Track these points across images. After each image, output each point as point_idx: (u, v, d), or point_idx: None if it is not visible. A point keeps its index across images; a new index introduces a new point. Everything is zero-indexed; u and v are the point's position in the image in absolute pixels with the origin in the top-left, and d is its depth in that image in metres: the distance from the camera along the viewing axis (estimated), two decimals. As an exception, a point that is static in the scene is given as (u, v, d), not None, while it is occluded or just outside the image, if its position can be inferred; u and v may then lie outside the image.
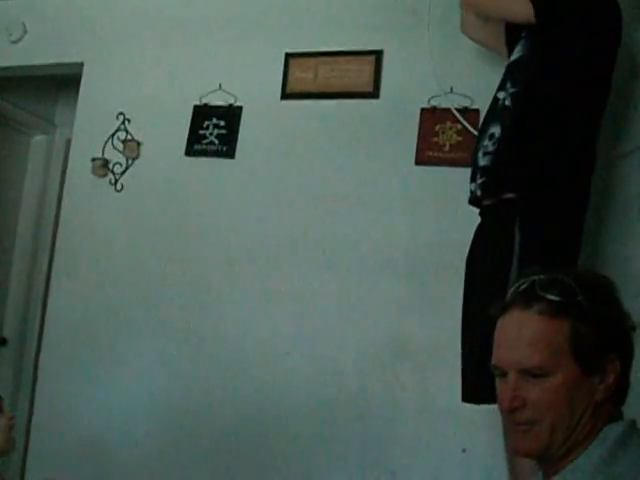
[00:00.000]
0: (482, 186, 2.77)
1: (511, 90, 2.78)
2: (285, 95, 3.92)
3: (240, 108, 4.00)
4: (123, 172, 4.21)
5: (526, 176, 2.67)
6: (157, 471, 3.90)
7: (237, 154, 3.98)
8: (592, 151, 2.76)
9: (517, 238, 2.58)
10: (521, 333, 1.63)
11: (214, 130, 4.02)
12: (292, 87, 3.90)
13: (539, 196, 2.64)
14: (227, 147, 3.98)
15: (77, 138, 4.47)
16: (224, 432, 3.77)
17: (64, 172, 4.97)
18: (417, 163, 3.63)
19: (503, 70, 2.98)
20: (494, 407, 2.92)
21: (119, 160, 4.22)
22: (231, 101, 4.02)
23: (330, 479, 3.59)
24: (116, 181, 4.21)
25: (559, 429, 1.60)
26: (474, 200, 2.87)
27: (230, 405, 3.78)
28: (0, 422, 2.63)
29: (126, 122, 4.23)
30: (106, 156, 4.23)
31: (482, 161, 2.79)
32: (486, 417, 3.22)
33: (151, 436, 3.96)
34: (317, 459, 3.61)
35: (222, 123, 4.01)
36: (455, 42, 3.50)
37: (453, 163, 3.55)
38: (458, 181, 3.47)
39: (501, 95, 2.83)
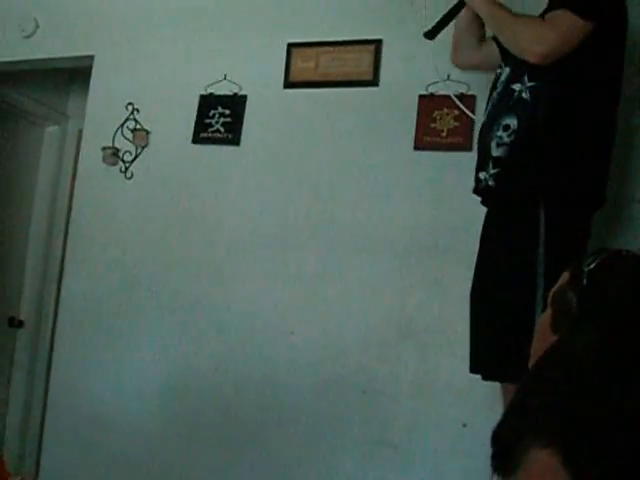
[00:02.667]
0: (496, 176, 2.82)
1: (530, 84, 2.79)
2: (288, 84, 3.97)
3: (245, 97, 4.06)
4: (133, 160, 4.30)
5: (550, 168, 2.72)
6: (167, 447, 4.00)
7: (242, 141, 4.04)
8: (612, 136, 2.85)
9: (542, 223, 2.65)
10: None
11: (220, 119, 4.08)
12: (294, 76, 3.95)
13: (563, 185, 2.71)
14: (232, 135, 4.04)
15: (88, 128, 4.55)
16: (230, 410, 3.85)
17: (76, 161, 5.07)
18: (416, 148, 3.68)
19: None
20: (494, 383, 3.08)
21: (129, 149, 4.30)
22: (236, 90, 4.07)
23: (333, 455, 3.63)
24: (126, 169, 4.30)
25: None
26: (483, 189, 2.91)
27: (236, 384, 3.85)
28: None
29: (135, 112, 4.31)
30: (116, 145, 4.31)
31: (496, 152, 2.82)
32: (486, 393, 3.30)
33: (161, 414, 4.05)
34: (320, 435, 3.66)
35: (227, 112, 4.07)
36: (452, 30, 3.46)
37: (451, 148, 3.61)
38: (455, 165, 3.58)
39: (517, 87, 2.83)
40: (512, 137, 2.77)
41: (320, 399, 3.68)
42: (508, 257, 2.76)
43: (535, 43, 2.74)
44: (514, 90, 2.84)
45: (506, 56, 2.97)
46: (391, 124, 3.78)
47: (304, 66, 3.95)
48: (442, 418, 3.46)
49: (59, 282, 5.15)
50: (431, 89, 3.68)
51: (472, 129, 3.59)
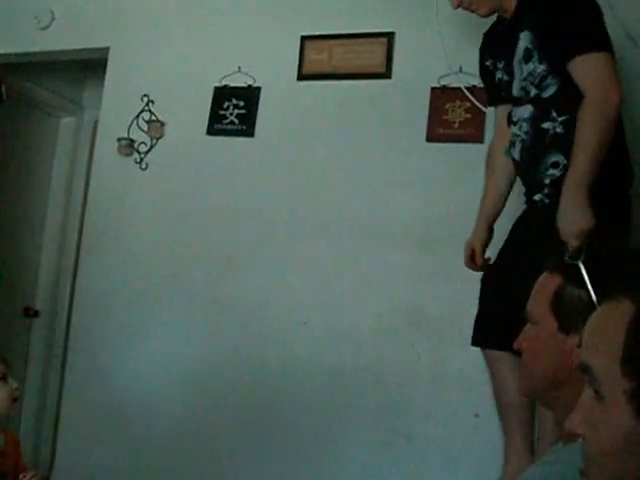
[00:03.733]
0: (551, 195, 2.83)
1: (560, 119, 2.82)
2: (301, 76, 4.00)
3: (259, 89, 4.09)
4: (148, 151, 4.33)
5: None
6: (182, 434, 4.04)
7: (256, 133, 4.07)
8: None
9: None
10: (536, 285, 1.73)
11: (234, 110, 4.11)
12: (308, 68, 3.98)
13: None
14: (246, 126, 4.07)
15: (104, 119, 4.59)
16: (244, 397, 3.89)
17: (91, 152, 5.11)
18: (428, 140, 3.71)
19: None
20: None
21: (144, 140, 4.34)
22: (250, 82, 4.10)
23: (347, 444, 3.66)
24: (141, 160, 4.33)
25: (538, 378, 1.68)
26: (538, 208, 2.92)
27: (250, 372, 3.89)
28: (3, 390, 2.62)
29: (150, 103, 4.34)
30: (131, 136, 4.35)
31: (551, 189, 2.84)
32: None
33: (178, 402, 4.08)
34: (334, 425, 3.70)
35: (241, 103, 4.10)
36: (464, 23, 3.53)
37: (462, 139, 3.65)
38: (467, 156, 3.61)
39: (548, 125, 2.86)
40: (563, 171, 2.78)
41: (334, 388, 3.71)
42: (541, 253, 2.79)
43: (611, 107, 2.71)
44: (547, 129, 2.87)
45: (519, 98, 2.99)
46: (403, 116, 3.80)
47: (317, 58, 3.98)
48: (455, 408, 3.49)
49: (74, 272, 5.19)
50: (443, 81, 3.71)
51: (484, 121, 3.62)
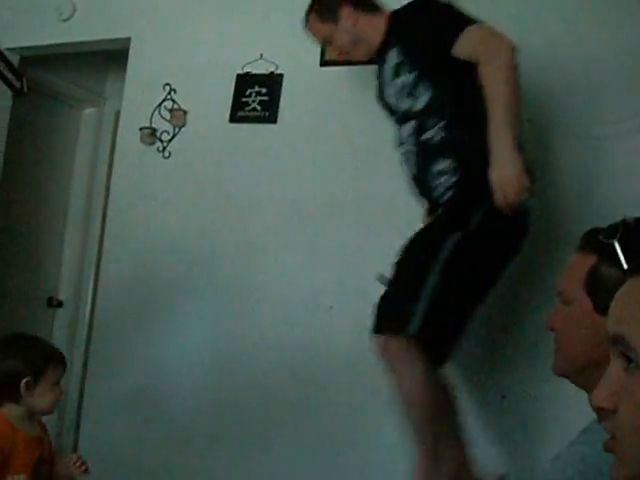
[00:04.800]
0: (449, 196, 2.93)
1: (440, 124, 2.92)
2: (324, 62, 3.97)
3: (281, 76, 4.08)
4: (170, 140, 4.34)
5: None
6: (205, 420, 4.07)
7: (279, 119, 4.06)
8: None
9: (476, 220, 2.82)
10: (569, 264, 1.71)
11: (256, 97, 4.11)
12: (330, 54, 3.90)
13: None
14: (269, 113, 4.07)
15: (126, 109, 4.61)
16: (270, 382, 3.88)
17: (113, 143, 5.13)
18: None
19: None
20: (533, 355, 3.16)
21: (166, 128, 4.34)
22: (272, 69, 4.09)
23: (375, 424, 3.63)
24: (164, 148, 4.34)
25: (573, 358, 1.67)
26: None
27: (275, 357, 3.88)
28: (55, 392, 2.69)
29: (172, 92, 4.35)
30: (154, 125, 4.35)
31: (447, 195, 2.92)
32: (524, 364, 3.38)
33: (202, 389, 4.10)
34: (361, 407, 3.69)
35: (264, 90, 4.10)
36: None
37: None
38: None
39: (429, 134, 2.94)
40: (455, 175, 2.89)
41: (359, 373, 3.68)
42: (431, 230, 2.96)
43: (508, 54, 2.80)
44: (428, 139, 2.94)
45: (402, 117, 3.06)
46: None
47: (340, 44, 3.96)
48: (481, 390, 3.47)
49: (98, 262, 5.22)
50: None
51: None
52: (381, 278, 3.07)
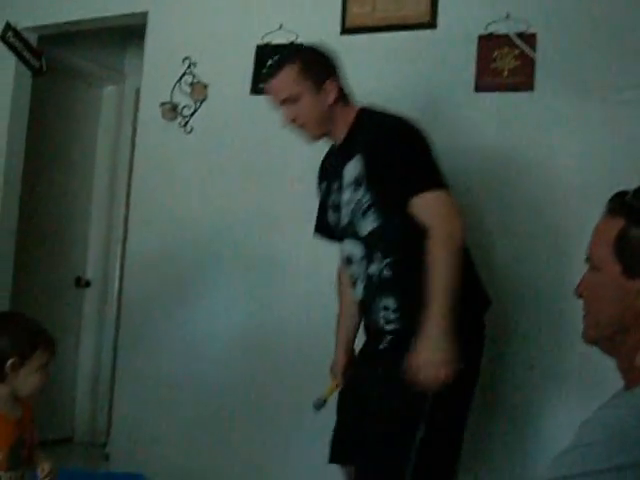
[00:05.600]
0: (392, 342, 2.88)
1: (386, 261, 2.85)
2: (344, 30, 3.93)
3: (301, 45, 3.98)
4: (192, 114, 4.30)
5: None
6: (236, 400, 4.07)
7: (300, 90, 4.03)
8: None
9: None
10: (596, 229, 1.68)
11: (277, 68, 4.07)
12: (351, 22, 3.91)
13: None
14: (290, 84, 4.03)
15: (146, 85, 4.58)
16: (296, 360, 3.88)
17: (135, 120, 5.11)
18: (477, 90, 3.63)
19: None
20: (561, 328, 3.21)
21: (187, 103, 4.30)
22: (292, 39, 4.04)
23: None
24: (186, 123, 4.30)
25: (604, 324, 1.64)
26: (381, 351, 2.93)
27: (306, 331, 3.86)
28: (41, 376, 2.56)
29: (192, 66, 4.30)
30: (174, 100, 4.31)
31: (388, 327, 2.87)
32: (551, 335, 3.37)
33: (230, 368, 4.10)
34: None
35: (285, 61, 4.06)
36: None
37: (512, 88, 3.56)
38: (517, 105, 3.54)
39: (375, 269, 2.88)
40: (397, 313, 2.85)
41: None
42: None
43: (456, 240, 2.76)
44: (374, 273, 2.89)
45: (348, 230, 2.97)
46: (451, 66, 3.73)
47: (360, 11, 3.91)
48: (508, 361, 3.45)
49: (124, 240, 5.22)
50: (490, 28, 3.62)
51: (534, 68, 3.53)
52: (317, 403, 3.15)
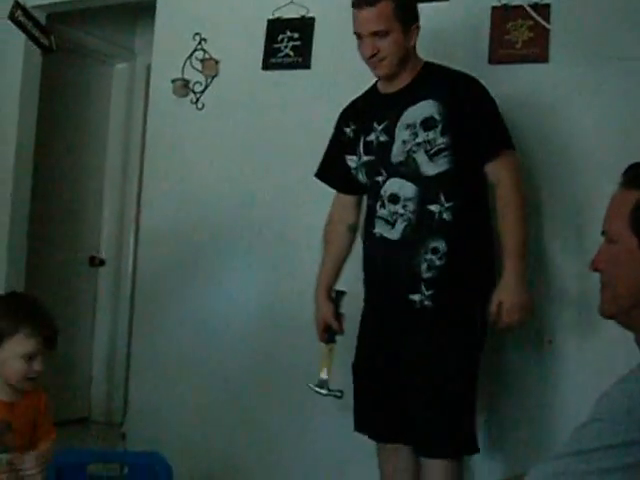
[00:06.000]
0: (433, 297, 2.93)
1: (447, 204, 2.92)
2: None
3: (313, 19, 3.99)
4: (203, 90, 4.27)
5: (480, 279, 3.01)
6: (252, 376, 4.06)
7: (312, 64, 3.99)
8: None
9: (478, 321, 2.99)
10: (612, 202, 1.68)
11: (289, 43, 4.03)
12: None
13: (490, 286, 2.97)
14: (302, 58, 4.00)
15: (157, 61, 4.54)
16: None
17: (146, 98, 5.09)
18: (490, 62, 3.59)
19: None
20: (579, 304, 3.24)
21: (199, 79, 4.27)
22: (303, 13, 4.01)
23: None
24: (197, 100, 4.28)
25: (622, 297, 1.64)
26: (418, 310, 2.96)
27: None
28: (22, 365, 2.47)
29: (203, 42, 4.26)
30: (186, 76, 4.28)
31: (427, 274, 2.92)
32: (571, 311, 3.36)
33: (246, 344, 4.09)
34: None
35: (296, 35, 4.02)
36: None
37: (526, 59, 3.53)
38: (532, 77, 3.51)
39: (435, 208, 2.92)
40: (443, 260, 2.91)
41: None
42: (449, 353, 2.95)
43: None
44: (433, 212, 2.93)
45: (396, 169, 3.00)
46: (464, 38, 3.69)
47: (372, -16, 3.85)
48: (529, 335, 3.41)
49: (137, 219, 5.22)
50: (504, 0, 3.56)
51: (548, 39, 3.49)
52: (320, 383, 3.26)
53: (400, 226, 2.97)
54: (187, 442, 4.13)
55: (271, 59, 4.08)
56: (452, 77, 3.07)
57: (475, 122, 2.98)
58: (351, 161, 3.15)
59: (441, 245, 2.90)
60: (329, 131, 3.31)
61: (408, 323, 2.99)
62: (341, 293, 3.27)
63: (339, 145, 3.24)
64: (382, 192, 3.02)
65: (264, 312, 4.08)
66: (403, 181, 2.97)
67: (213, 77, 4.26)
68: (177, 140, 4.38)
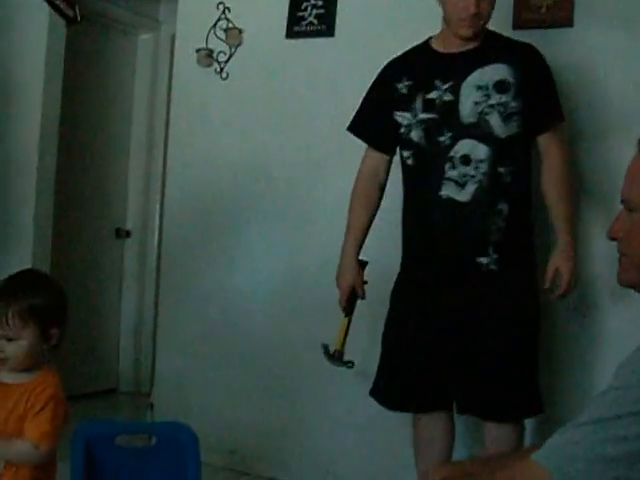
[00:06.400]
0: (498, 261, 2.94)
1: (510, 168, 2.95)
2: (382, -31, 3.84)
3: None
4: (227, 60, 4.26)
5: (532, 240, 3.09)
6: (276, 349, 4.09)
7: (336, 32, 3.97)
8: None
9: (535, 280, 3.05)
10: (629, 169, 1.63)
11: (312, 10, 4.01)
12: None
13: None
14: (326, 26, 3.98)
15: (181, 31, 4.54)
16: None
17: (171, 68, 5.09)
18: (514, 27, 3.55)
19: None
20: (602, 293, 3.30)
21: (223, 49, 4.27)
22: (327, -20, 3.98)
23: None
24: (221, 69, 4.27)
25: (638, 266, 1.60)
26: (485, 273, 2.97)
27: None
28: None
29: (226, 11, 4.25)
30: (210, 46, 4.28)
31: (495, 236, 2.94)
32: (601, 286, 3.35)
33: (271, 314, 4.12)
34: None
35: (320, 3, 4.00)
36: None
37: (552, 24, 3.50)
38: (556, 42, 3.47)
39: (503, 170, 2.94)
40: (505, 223, 2.94)
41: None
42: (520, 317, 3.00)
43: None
44: (501, 174, 2.95)
45: (466, 129, 2.98)
46: (489, 3, 3.63)
47: (397, -49, 3.83)
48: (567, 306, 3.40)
49: (162, 190, 5.22)
50: (529, -36, 3.53)
51: (573, 3, 3.46)
52: (337, 355, 3.28)
53: (471, 187, 2.94)
54: (215, 412, 4.18)
55: (295, 27, 4.07)
56: (518, 44, 3.08)
57: (542, 90, 3.02)
58: (402, 118, 3.07)
59: (505, 207, 2.93)
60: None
61: (472, 289, 2.98)
62: (364, 263, 3.25)
63: (385, 100, 3.15)
64: (452, 153, 2.96)
65: (291, 283, 4.09)
66: (475, 142, 2.94)
67: (237, 46, 4.25)
68: (202, 109, 4.38)
